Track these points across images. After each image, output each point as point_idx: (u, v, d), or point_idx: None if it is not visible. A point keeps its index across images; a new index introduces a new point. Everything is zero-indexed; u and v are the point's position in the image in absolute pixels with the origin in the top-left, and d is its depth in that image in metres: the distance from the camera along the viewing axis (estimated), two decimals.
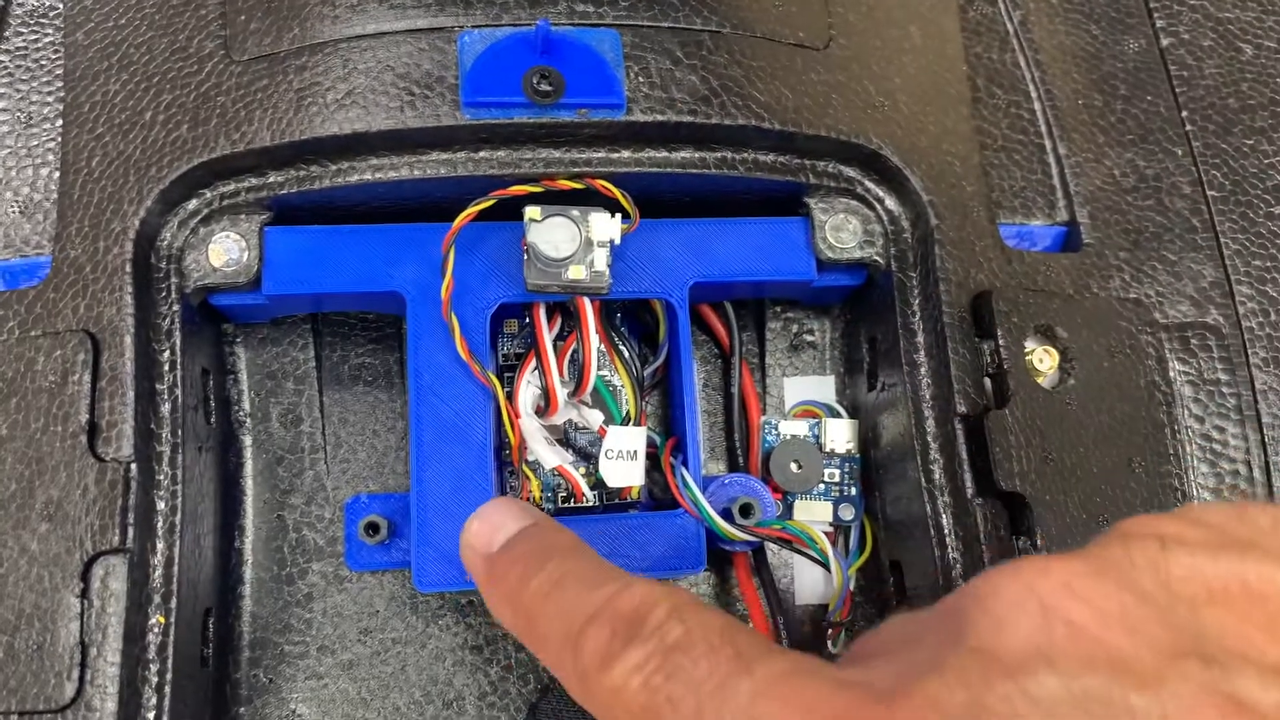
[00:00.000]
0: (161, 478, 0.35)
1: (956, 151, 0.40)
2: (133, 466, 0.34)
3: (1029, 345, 0.37)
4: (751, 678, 0.24)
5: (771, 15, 0.39)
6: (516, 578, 0.30)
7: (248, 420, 0.41)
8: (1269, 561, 0.23)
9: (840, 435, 0.41)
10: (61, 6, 0.40)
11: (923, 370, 0.38)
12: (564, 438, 0.40)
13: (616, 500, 0.39)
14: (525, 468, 0.39)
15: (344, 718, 0.39)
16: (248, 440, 0.41)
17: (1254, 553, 0.24)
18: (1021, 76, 0.43)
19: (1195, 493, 0.38)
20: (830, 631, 0.40)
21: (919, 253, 0.39)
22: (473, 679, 0.40)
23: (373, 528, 0.39)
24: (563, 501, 0.39)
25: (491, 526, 0.32)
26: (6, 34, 0.40)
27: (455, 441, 0.37)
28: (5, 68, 0.40)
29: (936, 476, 0.37)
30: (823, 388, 0.43)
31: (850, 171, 0.39)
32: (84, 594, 0.33)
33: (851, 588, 0.40)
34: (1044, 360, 0.37)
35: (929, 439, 0.37)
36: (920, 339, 0.38)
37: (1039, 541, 0.35)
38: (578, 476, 0.38)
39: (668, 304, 0.39)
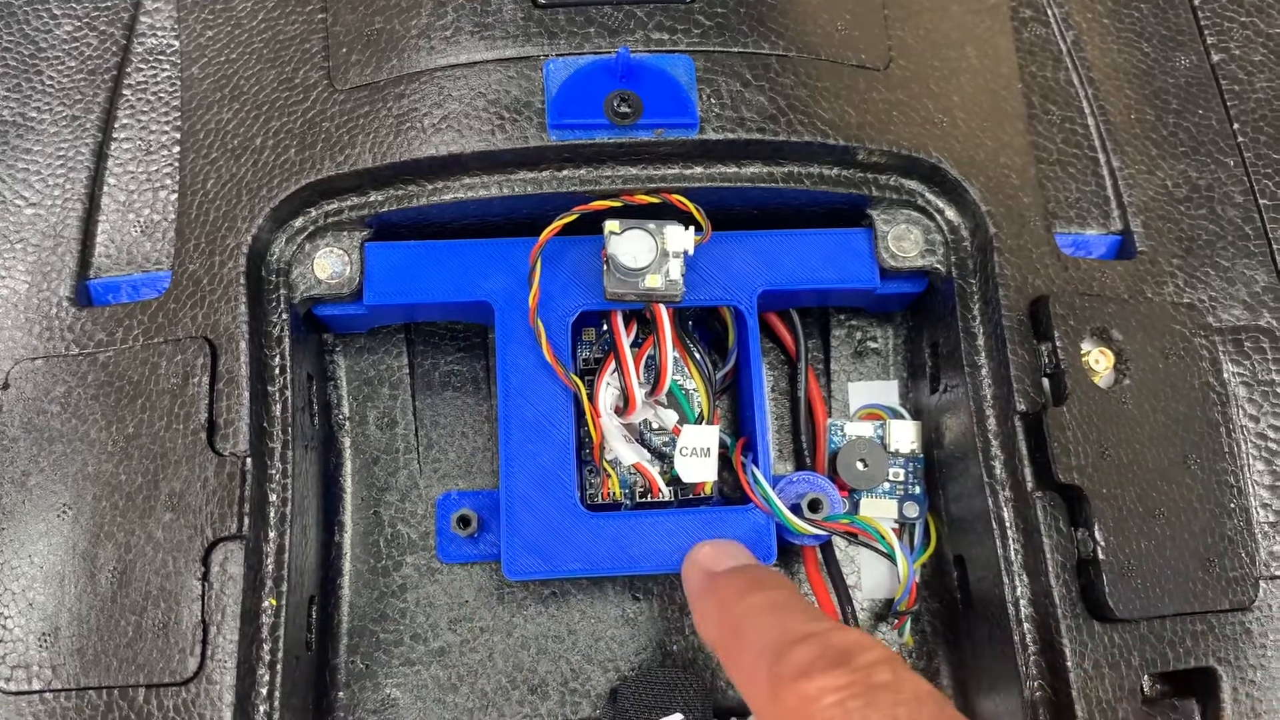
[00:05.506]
0: (274, 472, 0.38)
1: (1013, 164, 0.42)
2: (248, 461, 0.37)
3: (1085, 347, 0.39)
4: None
5: (835, 39, 0.41)
6: (735, 591, 0.33)
7: (347, 423, 0.44)
8: None
9: (904, 436, 0.43)
10: (177, 44, 0.44)
11: (983, 371, 0.39)
12: (639, 438, 0.42)
13: (691, 495, 0.42)
14: (605, 464, 0.41)
15: (435, 702, 0.42)
16: (347, 442, 0.44)
17: None
18: (1075, 93, 0.45)
19: (1251, 490, 0.39)
20: (896, 621, 0.42)
21: (978, 260, 0.41)
22: (555, 666, 0.42)
23: (464, 520, 0.42)
24: (640, 496, 0.42)
25: (722, 553, 0.36)
26: (128, 70, 0.44)
27: (540, 440, 0.39)
28: (127, 101, 0.43)
29: (998, 471, 0.38)
30: (886, 392, 0.45)
31: (911, 184, 0.41)
32: (205, 577, 0.36)
33: (917, 579, 0.42)
34: (1100, 361, 0.39)
35: (990, 436, 0.39)
36: (981, 341, 0.40)
37: (1096, 532, 0.36)
38: (654, 473, 0.41)
39: (737, 311, 0.41)
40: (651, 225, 0.39)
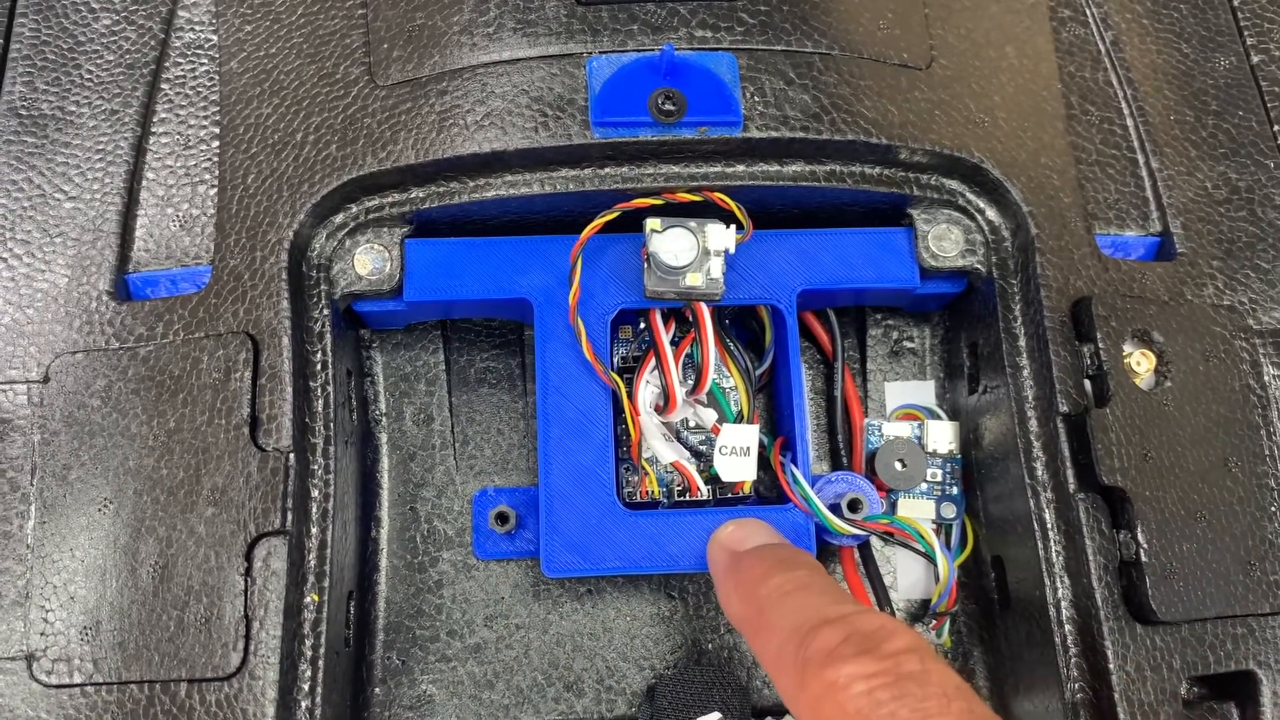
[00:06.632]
0: (316, 467, 0.38)
1: (1053, 165, 0.41)
2: (291, 456, 0.37)
3: (1127, 349, 0.39)
4: None
5: (877, 38, 0.41)
6: (758, 574, 0.33)
7: (383, 419, 0.44)
8: None
9: (942, 436, 0.43)
10: (216, 39, 0.44)
11: (1025, 372, 0.39)
12: (676, 436, 0.42)
13: (729, 495, 0.41)
14: (643, 462, 0.41)
15: (470, 699, 0.42)
16: (384, 438, 0.44)
17: None
18: (1114, 94, 0.44)
19: None
20: (934, 622, 0.42)
21: (1019, 261, 0.40)
22: (591, 664, 0.42)
23: (502, 517, 0.42)
24: (678, 495, 0.42)
25: (746, 532, 0.36)
26: (166, 64, 0.44)
27: (579, 437, 0.39)
28: (166, 95, 0.43)
29: (1039, 473, 0.38)
30: (923, 392, 0.45)
31: (952, 184, 0.41)
32: (247, 572, 0.36)
33: (956, 580, 0.42)
34: (1141, 363, 0.39)
35: (1032, 437, 0.39)
36: (1022, 342, 0.40)
37: (1139, 534, 0.36)
38: (693, 471, 0.41)
39: (776, 310, 0.41)
40: (693, 223, 0.39)
